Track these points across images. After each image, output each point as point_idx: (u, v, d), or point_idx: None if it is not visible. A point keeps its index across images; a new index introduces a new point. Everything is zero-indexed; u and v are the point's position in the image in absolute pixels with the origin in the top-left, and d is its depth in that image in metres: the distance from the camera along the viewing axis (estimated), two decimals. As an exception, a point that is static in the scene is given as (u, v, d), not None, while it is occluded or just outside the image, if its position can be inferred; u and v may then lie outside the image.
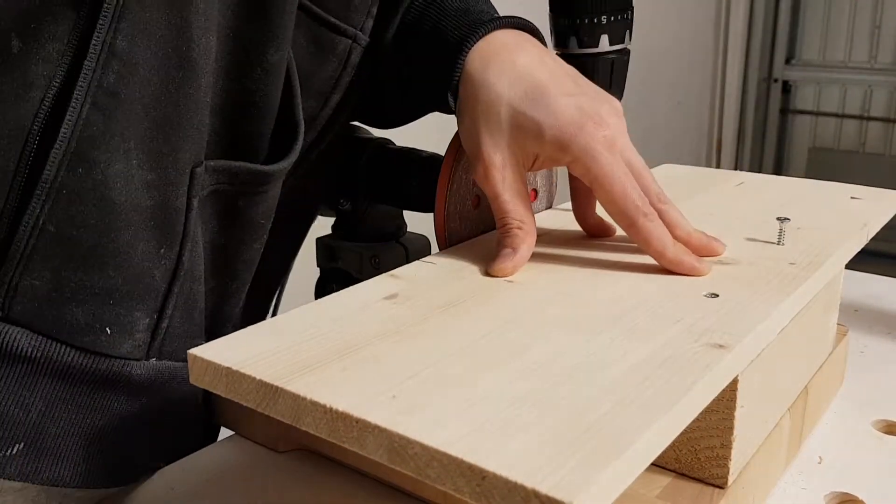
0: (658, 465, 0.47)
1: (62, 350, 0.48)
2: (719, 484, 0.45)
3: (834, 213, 0.62)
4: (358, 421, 0.33)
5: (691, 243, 0.51)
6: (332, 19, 0.59)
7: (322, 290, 0.76)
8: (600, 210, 0.55)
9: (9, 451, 0.48)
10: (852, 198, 0.66)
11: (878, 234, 0.61)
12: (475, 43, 0.56)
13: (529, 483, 0.28)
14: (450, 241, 0.58)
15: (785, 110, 3.52)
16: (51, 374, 0.48)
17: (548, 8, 0.62)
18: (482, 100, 0.53)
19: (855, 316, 0.81)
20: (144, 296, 0.50)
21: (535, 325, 0.42)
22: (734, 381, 0.43)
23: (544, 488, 0.28)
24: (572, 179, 0.56)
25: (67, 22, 0.45)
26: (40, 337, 0.47)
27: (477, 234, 0.60)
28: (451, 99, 0.56)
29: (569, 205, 0.60)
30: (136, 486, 0.53)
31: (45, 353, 0.47)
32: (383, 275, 0.50)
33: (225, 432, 0.58)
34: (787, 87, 3.49)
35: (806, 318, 0.53)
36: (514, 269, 0.50)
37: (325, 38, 0.60)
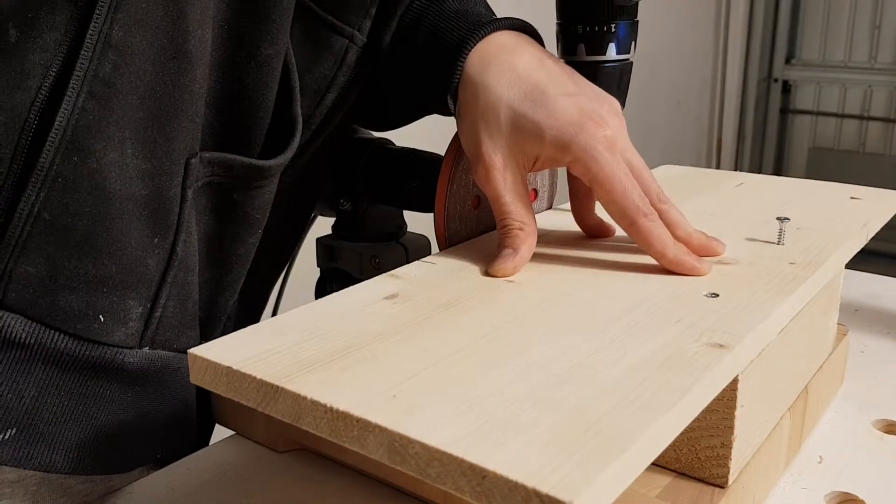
0: (658, 465, 0.47)
1: (56, 336, 0.48)
2: (719, 483, 0.45)
3: (834, 213, 0.62)
4: (358, 420, 0.33)
5: (691, 243, 0.52)
6: (329, 18, 0.59)
7: (322, 290, 0.76)
8: (600, 210, 0.55)
9: (1, 436, 0.48)
10: (852, 198, 0.66)
11: (878, 234, 0.61)
12: (474, 45, 0.56)
13: (530, 482, 0.28)
14: (450, 242, 0.58)
15: (785, 110, 3.52)
16: (44, 360, 0.48)
17: (545, 12, 0.62)
18: (482, 101, 0.53)
19: (855, 316, 0.81)
20: (138, 284, 0.50)
21: (535, 325, 0.42)
22: (734, 381, 0.43)
23: (545, 488, 0.28)
24: (572, 180, 0.56)
25: (65, 12, 0.45)
26: (34, 323, 0.48)
27: (477, 234, 0.60)
28: (450, 101, 0.56)
29: (569, 205, 0.60)
30: (136, 483, 0.53)
31: (39, 340, 0.48)
32: (383, 275, 0.50)
33: (225, 432, 0.58)
34: (787, 87, 3.49)
35: (806, 317, 0.53)
36: (515, 269, 0.50)
37: (322, 36, 0.60)
